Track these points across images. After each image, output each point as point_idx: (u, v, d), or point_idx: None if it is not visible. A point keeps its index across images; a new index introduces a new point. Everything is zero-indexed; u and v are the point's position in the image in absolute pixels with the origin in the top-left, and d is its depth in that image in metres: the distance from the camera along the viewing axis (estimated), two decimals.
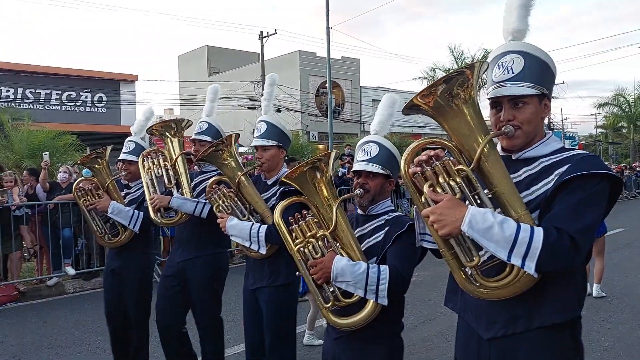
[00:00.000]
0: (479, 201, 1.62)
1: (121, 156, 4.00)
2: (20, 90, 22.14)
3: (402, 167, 1.70)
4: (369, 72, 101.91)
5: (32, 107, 20.25)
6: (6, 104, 18.98)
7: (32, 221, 7.64)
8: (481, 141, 1.62)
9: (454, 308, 1.89)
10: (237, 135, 3.35)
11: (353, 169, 2.40)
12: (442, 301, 1.98)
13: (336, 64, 27.53)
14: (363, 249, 2.27)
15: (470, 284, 1.65)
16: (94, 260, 7.97)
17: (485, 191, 1.63)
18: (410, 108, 1.69)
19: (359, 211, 2.40)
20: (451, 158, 1.66)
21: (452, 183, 1.62)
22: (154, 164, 3.66)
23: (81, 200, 4.00)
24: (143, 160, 3.69)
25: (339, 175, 11.07)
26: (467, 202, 1.61)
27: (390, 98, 2.44)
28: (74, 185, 4.14)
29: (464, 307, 1.84)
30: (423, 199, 1.64)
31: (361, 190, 2.32)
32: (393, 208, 2.43)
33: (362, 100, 31.81)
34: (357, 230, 2.34)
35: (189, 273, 3.57)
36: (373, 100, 30.49)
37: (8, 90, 21.73)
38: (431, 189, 1.62)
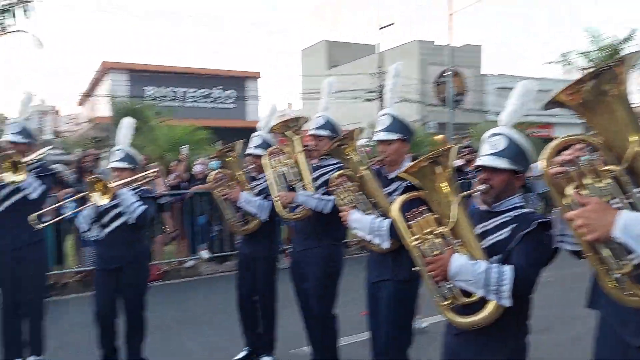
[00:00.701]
0: (630, 204, 1.49)
1: (249, 150, 4.29)
2: (161, 89, 24.59)
3: (543, 166, 1.61)
4: (493, 59, 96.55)
5: (171, 105, 22.30)
6: (149, 101, 21.09)
7: (173, 208, 8.49)
8: (635, 138, 1.48)
9: (599, 311, 1.78)
10: (361, 130, 3.39)
11: (476, 163, 2.27)
12: (575, 304, 1.89)
13: (456, 51, 26.53)
14: (486, 246, 2.18)
15: (619, 291, 1.53)
16: (226, 245, 8.64)
17: (638, 192, 1.50)
18: (553, 103, 1.60)
19: (483, 207, 2.30)
20: (598, 157, 1.54)
21: (599, 184, 1.50)
22: (277, 162, 3.85)
23: (215, 191, 4.38)
24: (267, 159, 3.90)
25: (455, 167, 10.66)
26: (614, 204, 1.49)
27: (525, 86, 2.27)
28: (209, 177, 4.54)
29: (608, 310, 1.72)
30: (567, 201, 1.54)
31: (485, 186, 2.20)
32: (522, 204, 2.26)
33: (485, 88, 30.34)
34: (479, 227, 2.24)
35: (306, 263, 3.73)
36: (497, 88, 28.94)
37: (151, 90, 24.23)
38: (576, 190, 1.52)
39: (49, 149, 4.89)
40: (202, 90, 25.43)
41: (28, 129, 4.23)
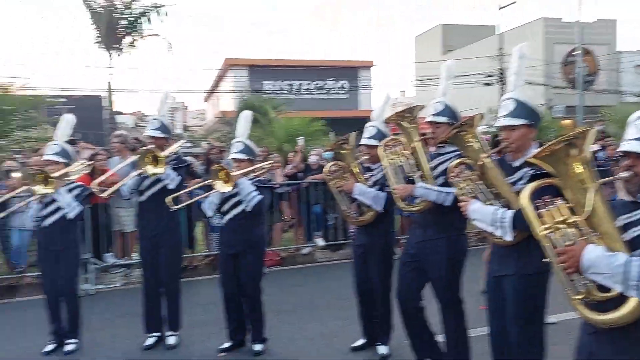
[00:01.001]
0: None
1: (363, 141, 4.28)
2: (278, 83, 25.64)
3: None
4: (630, 35, 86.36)
5: (288, 97, 23.16)
6: (267, 95, 22.08)
7: (290, 197, 8.83)
8: None
9: None
10: (482, 116, 3.25)
11: (620, 149, 2.07)
12: None
13: (587, 28, 24.20)
14: (629, 239, 1.99)
15: None
16: (340, 233, 8.80)
17: None
18: None
19: (626, 197, 2.09)
20: None
21: None
22: (394, 153, 3.78)
23: (330, 183, 4.44)
24: (384, 150, 3.84)
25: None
26: None
27: None
28: (325, 168, 4.62)
29: None
30: None
31: (629, 173, 2.00)
32: None
33: (622, 67, 27.37)
34: (622, 218, 2.04)
35: (428, 254, 3.62)
36: (636, 66, 25.99)
37: (269, 84, 25.36)
38: None
39: (183, 143, 5.33)
40: (316, 82, 26.09)
41: (166, 125, 4.66)
